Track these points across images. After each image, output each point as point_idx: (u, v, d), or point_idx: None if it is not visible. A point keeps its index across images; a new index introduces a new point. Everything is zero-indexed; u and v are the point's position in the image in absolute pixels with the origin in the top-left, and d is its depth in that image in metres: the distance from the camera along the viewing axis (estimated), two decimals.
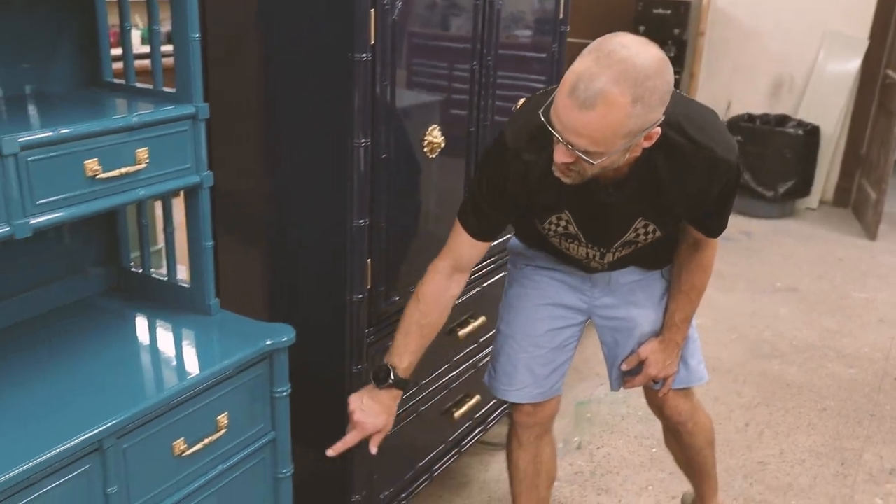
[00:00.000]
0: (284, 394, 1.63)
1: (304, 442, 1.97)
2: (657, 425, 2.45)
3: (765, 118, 5.44)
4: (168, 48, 1.54)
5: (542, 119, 1.40)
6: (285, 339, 1.59)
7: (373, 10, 1.61)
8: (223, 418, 1.51)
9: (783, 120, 5.40)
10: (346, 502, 1.93)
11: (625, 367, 1.91)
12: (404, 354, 1.69)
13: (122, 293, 1.76)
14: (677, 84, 5.59)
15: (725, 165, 1.54)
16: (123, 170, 1.40)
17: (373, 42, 1.63)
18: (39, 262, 1.64)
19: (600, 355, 2.37)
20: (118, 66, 1.65)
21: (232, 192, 1.92)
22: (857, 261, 4.53)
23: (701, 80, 5.83)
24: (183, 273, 1.84)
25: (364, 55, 1.62)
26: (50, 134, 1.28)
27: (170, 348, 1.59)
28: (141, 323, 1.66)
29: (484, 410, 2.42)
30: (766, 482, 2.56)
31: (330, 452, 1.69)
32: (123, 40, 1.63)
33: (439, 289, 1.69)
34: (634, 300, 1.86)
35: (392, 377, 1.68)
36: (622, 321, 1.88)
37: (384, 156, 1.73)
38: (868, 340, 3.55)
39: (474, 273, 2.18)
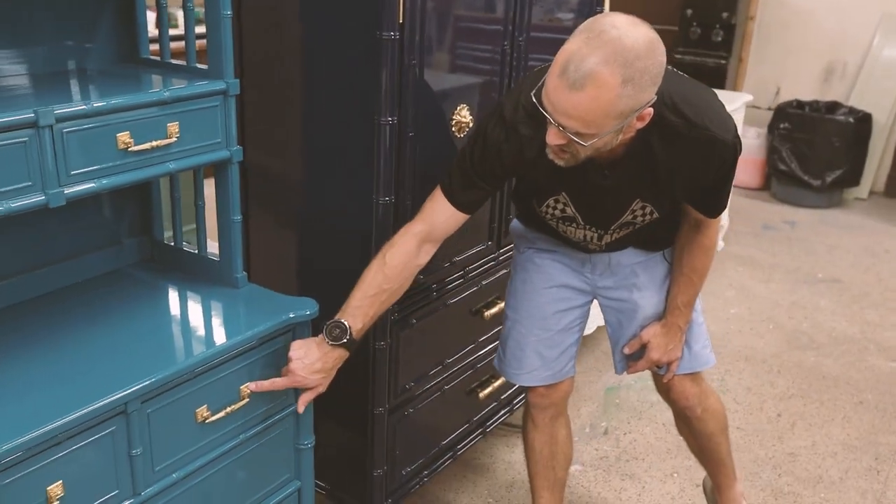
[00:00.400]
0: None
1: (327, 415, 2.01)
2: None
3: (814, 105, 5.31)
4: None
5: (534, 100, 1.40)
6: (308, 312, 1.62)
7: None
8: (246, 388, 1.55)
9: (833, 107, 5.27)
10: (367, 476, 1.96)
11: (627, 351, 1.90)
12: (359, 316, 1.59)
13: (155, 265, 1.81)
14: (724, 70, 5.49)
15: (721, 145, 1.52)
16: (154, 143, 1.44)
17: (401, 21, 1.64)
18: (77, 233, 1.70)
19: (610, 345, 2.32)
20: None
21: (265, 167, 1.96)
22: None
23: (749, 64, 5.71)
24: (215, 247, 1.88)
25: (392, 34, 1.63)
26: (84, 107, 1.32)
27: (196, 319, 1.63)
28: (170, 294, 1.70)
29: (510, 392, 2.44)
30: (796, 473, 2.53)
31: (252, 386, 1.53)
32: (160, 18, 1.66)
33: (407, 256, 1.62)
34: (636, 283, 1.85)
35: (347, 337, 1.57)
36: (624, 303, 1.87)
37: (411, 134, 1.75)
38: None
39: (502, 254, 2.20)
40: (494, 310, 2.20)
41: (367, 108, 1.70)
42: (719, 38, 5.47)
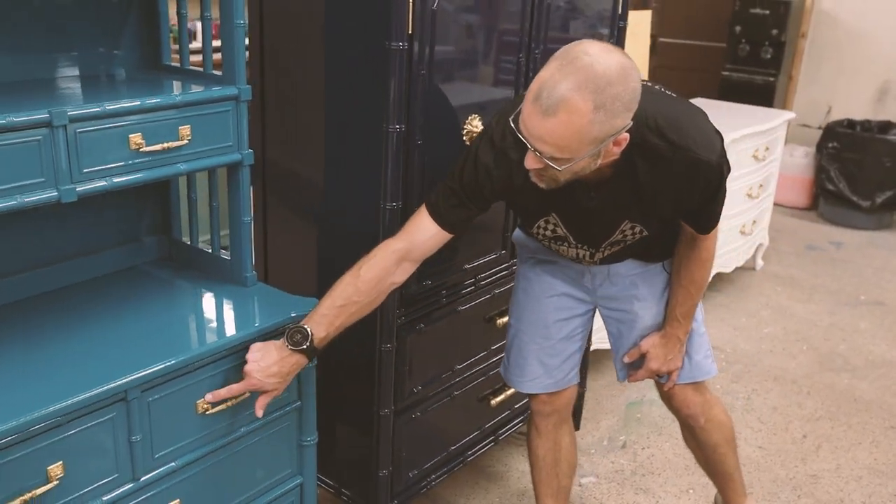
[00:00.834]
0: (311, 364, 1.71)
1: (334, 413, 2.06)
2: None
3: (866, 125, 5.20)
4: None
5: (512, 126, 1.43)
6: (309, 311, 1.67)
7: (410, 1, 1.67)
8: (204, 401, 1.59)
9: (886, 127, 5.15)
10: (373, 476, 2.00)
11: (626, 360, 1.92)
12: (324, 325, 1.57)
13: (171, 262, 1.89)
14: (773, 87, 5.41)
15: (706, 166, 1.53)
16: (166, 145, 1.51)
17: (410, 31, 1.69)
18: (97, 230, 1.78)
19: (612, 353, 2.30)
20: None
21: (284, 170, 2.03)
22: None
23: (800, 83, 5.61)
24: None
25: (401, 44, 1.68)
26: (97, 109, 1.40)
27: (202, 314, 1.70)
28: (182, 291, 1.77)
29: (524, 402, 2.44)
30: (816, 496, 2.47)
31: (209, 397, 1.52)
32: (180, 27, 1.75)
33: (383, 273, 1.60)
34: (636, 293, 1.86)
35: (307, 343, 1.55)
36: (624, 313, 1.89)
37: (419, 142, 1.79)
38: None
39: (516, 264, 2.21)
40: (506, 319, 2.22)
41: (376, 115, 1.75)
42: (768, 56, 5.40)
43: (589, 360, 2.75)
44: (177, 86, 1.66)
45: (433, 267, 1.94)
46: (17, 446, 1.27)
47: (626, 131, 1.41)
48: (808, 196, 5.37)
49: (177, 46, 1.79)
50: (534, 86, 1.37)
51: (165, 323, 1.61)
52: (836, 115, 5.46)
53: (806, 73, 5.60)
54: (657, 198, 1.58)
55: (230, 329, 1.60)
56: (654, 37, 5.41)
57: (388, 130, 1.73)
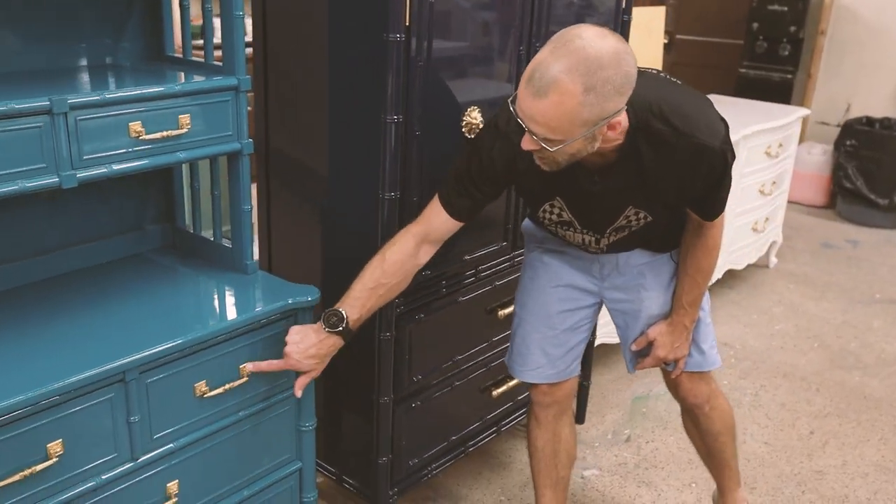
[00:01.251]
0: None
1: (335, 400, 2.09)
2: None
3: (885, 122, 5.14)
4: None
5: (510, 108, 1.45)
6: (309, 298, 1.70)
7: None
8: (244, 367, 1.63)
9: None
10: (372, 463, 2.02)
11: (634, 348, 1.93)
12: (357, 307, 1.65)
13: (174, 250, 1.92)
14: (790, 84, 5.37)
15: (710, 152, 1.54)
16: (166, 133, 1.54)
17: (408, 24, 1.71)
18: (102, 217, 1.82)
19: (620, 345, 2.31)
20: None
21: (286, 160, 2.06)
22: None
23: (819, 81, 5.57)
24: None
25: (398, 36, 1.70)
26: (97, 97, 1.44)
27: (202, 300, 1.73)
28: (183, 277, 1.81)
29: (527, 394, 2.45)
30: (821, 492, 2.46)
31: (249, 367, 1.62)
32: (182, 18, 1.78)
33: (405, 255, 1.69)
34: (643, 283, 1.87)
35: (343, 325, 1.63)
36: (631, 303, 1.89)
37: (417, 133, 1.81)
38: None
39: (518, 256, 2.23)
40: (509, 309, 2.23)
41: (374, 106, 1.77)
42: (786, 53, 5.36)
43: (595, 355, 2.77)
44: (177, 76, 1.70)
45: (433, 257, 1.96)
46: (17, 423, 1.31)
47: (628, 117, 1.45)
48: (826, 194, 5.32)
49: (200, 41, 1.81)
50: (528, 67, 1.41)
51: (166, 308, 1.65)
52: (856, 113, 5.41)
53: (825, 70, 5.55)
54: (661, 183, 1.59)
55: (229, 314, 1.64)
56: (670, 33, 5.38)
57: (387, 121, 1.76)
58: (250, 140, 1.70)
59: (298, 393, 1.69)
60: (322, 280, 2.01)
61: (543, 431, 2.00)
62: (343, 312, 1.65)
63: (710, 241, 1.76)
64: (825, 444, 2.70)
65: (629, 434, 2.71)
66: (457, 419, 2.23)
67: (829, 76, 5.54)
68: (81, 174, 1.44)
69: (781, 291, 3.92)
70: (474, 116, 1.93)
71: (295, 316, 1.70)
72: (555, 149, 1.43)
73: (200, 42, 1.83)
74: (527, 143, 1.46)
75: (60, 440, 1.37)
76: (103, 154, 1.46)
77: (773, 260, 4.23)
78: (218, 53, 1.68)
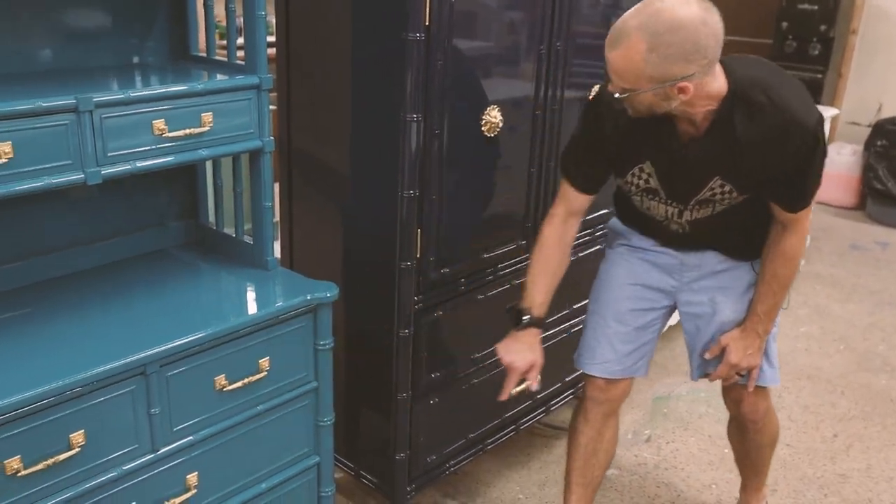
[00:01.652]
0: (327, 346, 1.76)
1: (353, 397, 2.11)
2: None
3: None
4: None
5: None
6: (328, 294, 1.72)
7: None
8: (265, 362, 1.66)
9: None
10: (390, 459, 2.04)
11: (707, 356, 1.91)
12: (535, 296, 1.84)
13: (197, 246, 1.95)
14: (820, 84, 5.30)
15: (802, 129, 1.59)
16: (188, 131, 1.57)
17: (427, 23, 1.72)
18: (127, 214, 1.86)
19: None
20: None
21: (308, 158, 2.08)
22: None
23: (850, 80, 5.49)
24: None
25: (418, 35, 1.71)
26: (121, 96, 1.47)
27: (223, 296, 1.76)
28: (205, 273, 1.83)
29: (547, 392, 2.46)
30: (844, 495, 2.44)
31: (501, 398, 1.86)
32: (207, 19, 1.81)
33: (557, 233, 1.85)
34: (720, 288, 1.87)
35: (526, 318, 1.83)
36: (704, 307, 1.90)
37: (437, 131, 1.82)
38: None
39: None
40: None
41: (394, 105, 1.78)
42: (816, 52, 5.30)
43: None
44: (201, 75, 1.73)
45: (451, 255, 1.98)
46: (41, 413, 1.34)
47: (728, 84, 1.57)
48: (856, 195, 5.25)
49: (223, 42, 1.84)
50: (621, 19, 1.54)
51: (187, 302, 1.68)
52: (887, 113, 5.33)
53: (856, 70, 5.47)
54: (750, 156, 1.63)
55: (249, 310, 1.66)
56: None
57: (406, 120, 1.77)
58: (272, 138, 1.72)
59: (535, 386, 1.87)
60: (343, 277, 2.03)
61: (589, 429, 2.00)
62: (522, 306, 1.85)
63: (789, 249, 1.75)
64: (849, 448, 2.67)
65: (650, 434, 2.70)
66: (475, 416, 2.24)
67: (861, 76, 5.46)
68: (106, 171, 1.47)
69: (807, 293, 3.88)
70: (494, 115, 1.94)
71: (314, 312, 1.72)
72: (626, 96, 1.55)
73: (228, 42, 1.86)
74: (612, 86, 1.59)
75: (83, 431, 1.40)
76: (127, 151, 1.49)
77: (800, 261, 4.18)
78: (241, 53, 1.71)
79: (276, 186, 2.21)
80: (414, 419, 2.03)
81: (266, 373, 1.66)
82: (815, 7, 5.25)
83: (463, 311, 2.08)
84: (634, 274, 1.93)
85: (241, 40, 1.69)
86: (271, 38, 2.06)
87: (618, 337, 1.94)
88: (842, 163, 5.22)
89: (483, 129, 1.93)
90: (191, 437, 1.57)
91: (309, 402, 1.79)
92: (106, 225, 1.82)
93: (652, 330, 1.97)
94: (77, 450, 1.40)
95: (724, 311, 1.88)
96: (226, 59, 1.78)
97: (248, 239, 1.87)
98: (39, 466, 1.35)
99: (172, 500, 1.57)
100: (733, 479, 2.46)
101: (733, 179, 1.68)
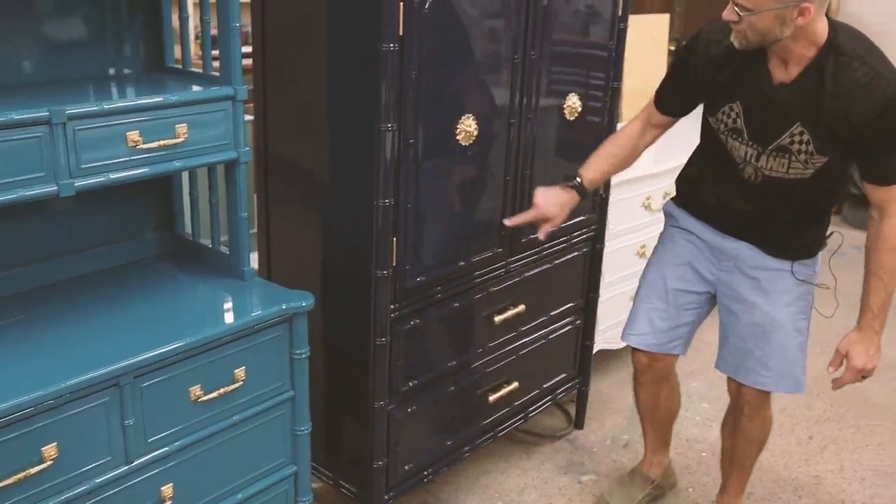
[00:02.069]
0: (304, 356, 1.77)
1: (331, 406, 2.11)
2: (713, 431, 2.51)
3: None
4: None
5: None
6: (304, 304, 1.72)
7: (402, 3, 1.71)
8: (241, 372, 1.66)
9: None
10: (367, 468, 2.04)
11: (832, 370, 1.93)
12: (591, 171, 2.02)
13: (173, 257, 1.95)
14: None
15: (890, 90, 1.66)
16: (162, 142, 1.57)
17: (401, 33, 1.74)
18: (103, 225, 1.86)
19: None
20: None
21: (284, 168, 2.09)
22: None
23: None
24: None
25: (391, 45, 1.73)
26: (95, 108, 1.47)
27: (199, 306, 1.76)
28: (181, 283, 1.84)
29: (525, 399, 2.47)
30: (818, 496, 2.47)
31: (507, 222, 2.02)
32: (182, 30, 1.82)
33: (635, 132, 2.05)
34: (758, 288, 1.96)
35: (576, 181, 2.00)
36: (739, 304, 1.99)
37: (411, 141, 1.84)
38: None
39: (516, 262, 2.25)
40: (505, 315, 2.26)
41: (369, 115, 1.80)
42: None
43: (594, 360, 2.78)
44: (175, 86, 1.73)
45: (427, 263, 1.99)
46: (13, 426, 1.34)
47: (828, 33, 1.67)
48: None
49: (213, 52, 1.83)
50: None
51: (162, 313, 1.68)
52: None
53: None
54: (834, 108, 1.70)
55: (224, 320, 1.66)
56: (678, 40, 5.39)
57: (381, 129, 1.78)
58: (248, 149, 1.73)
59: (542, 236, 2.02)
60: (320, 286, 2.04)
61: (645, 389, 2.25)
62: (579, 174, 2.02)
63: (890, 232, 1.78)
64: (823, 450, 2.71)
65: (628, 440, 2.72)
66: (453, 424, 2.25)
67: None
68: (79, 183, 1.47)
69: None
70: (469, 125, 1.96)
71: (290, 321, 1.73)
72: (749, 17, 1.65)
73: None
74: (727, 14, 1.70)
75: (55, 443, 1.40)
76: (101, 163, 1.50)
77: None
78: (217, 63, 1.71)
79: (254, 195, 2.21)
80: (391, 427, 2.04)
81: (242, 383, 1.66)
82: None
83: (440, 319, 2.09)
84: (680, 255, 2.08)
85: (216, 51, 1.70)
86: (248, 49, 2.07)
87: (657, 313, 2.11)
88: None
89: (458, 137, 1.95)
90: (165, 449, 1.57)
91: (285, 412, 1.79)
92: (82, 236, 1.82)
93: (691, 312, 2.10)
94: (49, 463, 1.39)
95: (758, 313, 1.95)
96: (201, 71, 1.78)
97: (224, 249, 1.87)
98: (11, 480, 1.35)
99: None
100: (710, 482, 2.49)
101: (813, 130, 1.75)
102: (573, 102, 2.24)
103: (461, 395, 2.23)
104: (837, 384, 1.93)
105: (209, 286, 1.82)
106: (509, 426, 2.45)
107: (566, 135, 2.27)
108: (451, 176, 2.00)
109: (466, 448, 2.31)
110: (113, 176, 1.52)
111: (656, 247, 2.17)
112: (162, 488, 1.58)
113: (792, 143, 1.78)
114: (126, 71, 1.83)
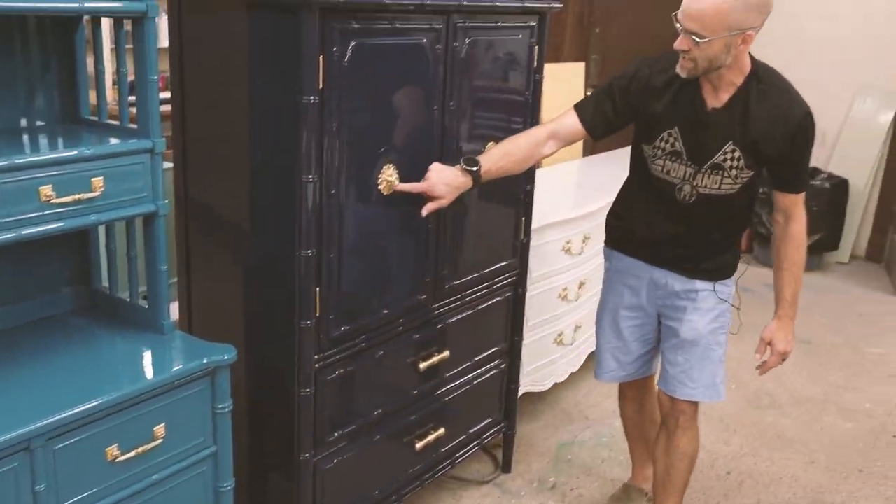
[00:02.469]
0: (226, 410, 1.74)
1: (256, 458, 2.07)
2: None
3: None
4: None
5: (673, 18, 1.91)
6: (226, 357, 1.70)
7: (321, 57, 1.74)
8: (160, 429, 1.62)
9: (812, 173, 5.35)
10: None
11: (758, 356, 2.23)
12: (489, 163, 2.08)
13: (91, 312, 1.90)
14: None
15: (802, 112, 1.97)
16: (77, 196, 1.54)
17: (321, 86, 1.76)
18: (16, 281, 1.80)
19: (592, 400, 2.98)
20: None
21: (206, 220, 2.07)
22: (878, 316, 4.44)
23: None
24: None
25: (312, 98, 1.75)
26: (5, 162, 1.44)
27: (116, 362, 1.72)
28: (97, 339, 1.79)
29: (452, 445, 2.48)
30: None
31: (396, 187, 1.99)
32: (97, 82, 1.80)
33: (535, 140, 2.15)
34: (689, 307, 2.18)
35: (474, 168, 2.05)
36: (674, 322, 2.21)
37: (333, 191, 1.85)
38: (872, 396, 3.48)
39: (439, 308, 2.27)
40: (430, 362, 2.27)
41: (291, 166, 1.80)
42: None
43: (520, 404, 2.81)
44: (91, 138, 1.70)
45: (351, 312, 1.99)
46: None
47: (751, 65, 1.96)
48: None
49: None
50: None
51: (78, 371, 1.63)
52: None
53: None
54: (759, 127, 1.97)
55: (142, 376, 1.63)
56: (594, 87, 5.58)
57: (303, 181, 1.79)
58: (166, 201, 1.71)
59: (424, 214, 2.01)
60: (242, 337, 2.02)
61: (629, 403, 2.48)
62: (478, 160, 2.07)
63: (798, 236, 2.11)
64: (741, 484, 2.79)
65: (554, 481, 2.75)
66: (380, 473, 2.24)
67: None
68: None
69: None
70: (390, 174, 1.98)
71: (212, 375, 1.70)
72: (702, 43, 1.85)
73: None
74: (680, 43, 1.91)
75: None
76: (12, 218, 1.46)
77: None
78: (134, 110, 1.69)
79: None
80: (318, 479, 2.01)
81: (162, 440, 1.62)
82: None
83: (364, 368, 2.08)
84: (623, 298, 2.29)
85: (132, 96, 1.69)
86: (166, 94, 2.05)
87: (618, 351, 2.35)
88: None
89: (379, 187, 1.97)
90: None
91: (208, 468, 1.75)
92: None
93: (648, 339, 2.33)
94: None
95: (687, 329, 2.19)
96: (118, 122, 1.76)
97: (143, 303, 1.83)
98: None
99: None
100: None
101: (742, 147, 1.99)
102: None
103: (388, 443, 2.22)
104: (764, 368, 2.24)
105: (127, 341, 1.78)
106: (437, 473, 2.45)
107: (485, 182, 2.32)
108: (374, 225, 2.02)
109: (394, 497, 2.30)
110: (25, 232, 1.48)
111: (603, 290, 2.37)
112: None
113: (725, 160, 2.02)
114: (39, 123, 1.79)
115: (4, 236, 1.45)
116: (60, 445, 1.46)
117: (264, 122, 1.86)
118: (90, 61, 1.82)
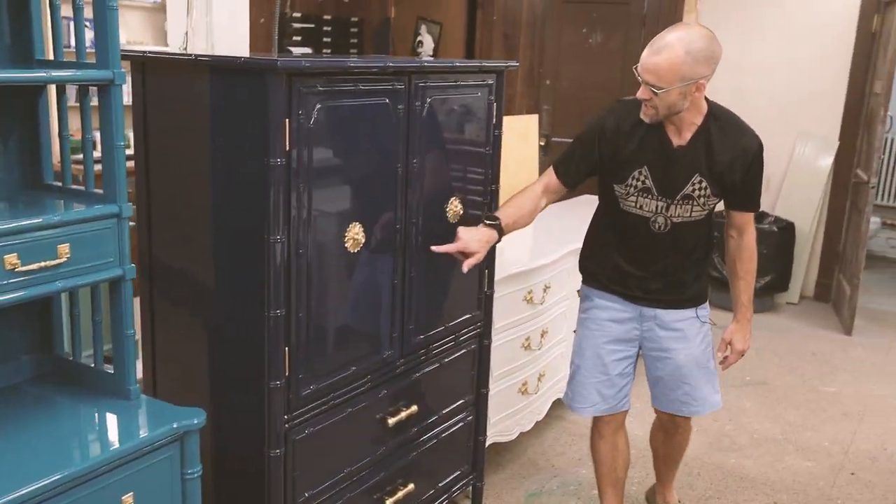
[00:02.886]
0: (196, 475, 1.71)
1: None
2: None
3: None
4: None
5: (634, 70, 2.13)
6: (195, 421, 1.69)
7: (287, 120, 1.77)
8: (128, 498, 1.59)
9: (760, 216, 5.52)
10: None
11: (720, 355, 2.45)
12: (506, 216, 2.27)
13: (53, 379, 1.87)
14: None
15: (756, 143, 2.24)
16: (43, 263, 1.53)
17: (288, 148, 1.78)
18: None
19: (558, 448, 2.97)
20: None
21: (170, 284, 2.06)
22: (829, 355, 4.56)
23: None
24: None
25: (278, 160, 1.77)
26: None
27: (80, 431, 1.69)
28: (61, 407, 1.75)
29: (422, 500, 2.46)
30: None
31: (434, 249, 2.15)
32: (62, 147, 1.79)
33: (536, 195, 2.35)
34: (676, 336, 2.37)
35: (496, 222, 2.24)
36: (662, 353, 2.40)
37: (300, 251, 1.86)
38: (829, 434, 3.56)
39: (406, 363, 2.28)
40: (399, 417, 2.27)
41: (258, 226, 1.82)
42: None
43: (487, 454, 2.81)
44: (56, 205, 1.70)
45: (320, 371, 1.99)
46: None
47: (708, 106, 2.21)
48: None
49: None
50: (653, 40, 2.10)
51: (38, 442, 1.59)
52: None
53: None
54: (721, 159, 2.20)
55: (109, 445, 1.60)
56: (547, 136, 5.71)
57: (270, 241, 1.80)
58: (133, 266, 1.71)
59: (466, 270, 2.14)
60: (210, 398, 2.00)
61: (605, 442, 2.53)
62: (497, 216, 2.26)
63: (751, 247, 2.39)
64: None
65: None
66: None
67: None
68: None
69: None
70: (356, 232, 2.01)
71: (181, 440, 1.68)
72: (660, 93, 2.06)
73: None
74: (642, 93, 2.12)
75: None
76: None
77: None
78: (98, 168, 1.69)
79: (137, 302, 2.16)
80: None
81: None
82: None
83: (333, 426, 2.07)
84: (607, 333, 2.43)
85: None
86: (129, 151, 2.04)
87: (602, 385, 2.45)
88: None
89: (346, 245, 1.99)
90: None
91: None
92: None
93: (628, 372, 2.47)
94: None
95: (682, 356, 2.39)
96: (83, 188, 1.76)
97: (108, 368, 1.81)
98: None
99: None
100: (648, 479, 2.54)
101: (708, 178, 2.22)
102: (455, 206, 2.35)
103: (359, 500, 2.20)
104: (726, 364, 2.47)
105: (92, 408, 1.75)
106: None
107: (450, 236, 2.35)
108: (342, 282, 2.03)
109: None
110: None
111: (582, 332, 2.49)
112: None
113: (694, 190, 2.24)
114: (1, 189, 1.78)
115: None
116: None
117: (229, 183, 1.87)
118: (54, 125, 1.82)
